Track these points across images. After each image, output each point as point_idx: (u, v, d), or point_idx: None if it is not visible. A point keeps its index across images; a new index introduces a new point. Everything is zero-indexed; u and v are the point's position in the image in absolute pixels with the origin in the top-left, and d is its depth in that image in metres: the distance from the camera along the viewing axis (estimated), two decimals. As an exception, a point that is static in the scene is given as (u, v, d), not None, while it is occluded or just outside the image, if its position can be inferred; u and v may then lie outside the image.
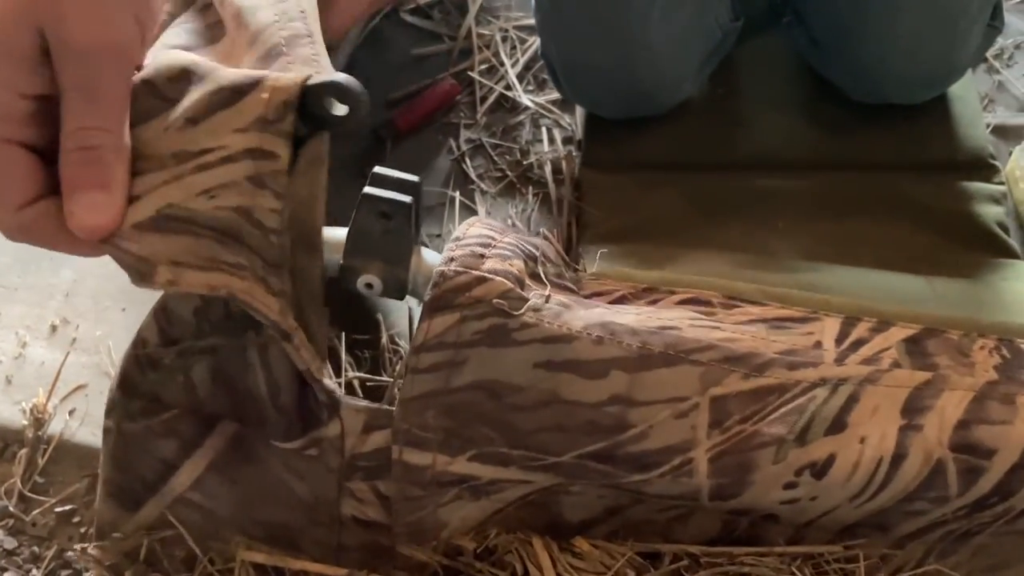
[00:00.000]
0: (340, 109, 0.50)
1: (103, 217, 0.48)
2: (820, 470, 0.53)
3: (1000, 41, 1.01)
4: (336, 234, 0.55)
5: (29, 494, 0.76)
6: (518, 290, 0.52)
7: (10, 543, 0.74)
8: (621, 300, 0.58)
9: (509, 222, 0.92)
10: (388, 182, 0.53)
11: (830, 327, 0.57)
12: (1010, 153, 0.93)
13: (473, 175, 0.96)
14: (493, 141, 0.98)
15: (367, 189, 0.52)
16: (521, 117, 1.00)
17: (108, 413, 0.56)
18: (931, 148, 0.91)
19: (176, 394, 0.54)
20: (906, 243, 0.86)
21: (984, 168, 0.90)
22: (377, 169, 0.54)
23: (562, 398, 0.53)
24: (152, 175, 0.49)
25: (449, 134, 0.99)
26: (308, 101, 0.50)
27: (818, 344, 0.56)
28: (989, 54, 1.00)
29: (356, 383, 0.86)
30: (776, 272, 0.82)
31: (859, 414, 0.53)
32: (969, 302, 0.80)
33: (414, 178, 0.53)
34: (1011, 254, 0.85)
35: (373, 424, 0.55)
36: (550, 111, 1.00)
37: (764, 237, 0.86)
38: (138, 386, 0.54)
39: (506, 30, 1.06)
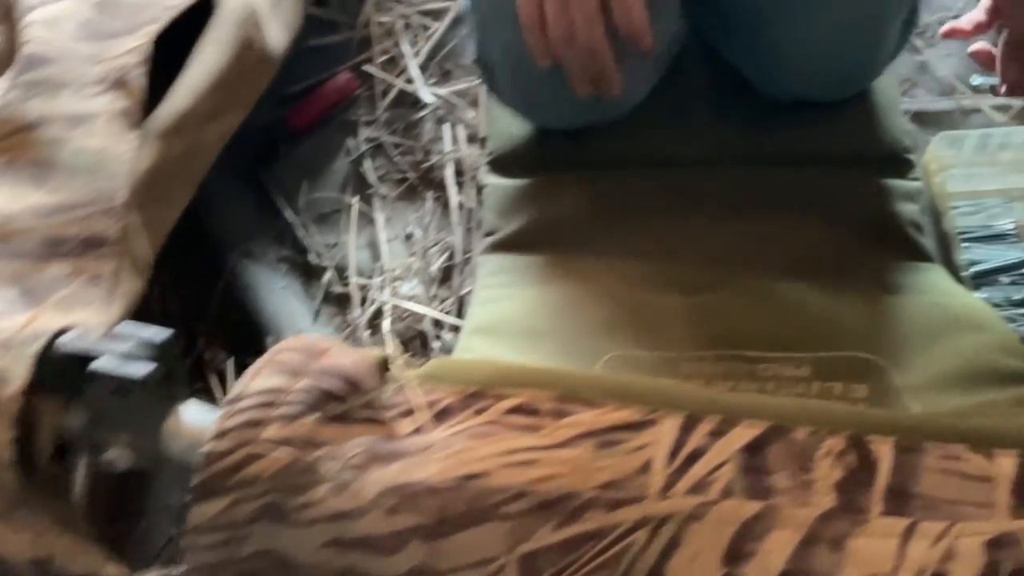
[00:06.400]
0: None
1: None
2: (619, 625, 0.48)
3: (925, 16, 0.90)
4: None
5: None
6: (303, 459, 0.46)
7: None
8: (446, 412, 0.52)
9: (409, 230, 0.85)
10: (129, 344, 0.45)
11: (667, 434, 0.51)
12: (928, 143, 0.84)
13: (372, 179, 0.87)
14: (394, 140, 0.89)
15: (94, 365, 0.43)
16: (423, 113, 0.90)
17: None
18: (844, 141, 0.83)
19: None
20: (817, 245, 0.78)
21: (899, 164, 0.82)
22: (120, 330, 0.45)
23: (359, 572, 0.48)
24: None
25: (347, 132, 0.90)
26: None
27: (647, 466, 0.50)
28: (912, 32, 0.90)
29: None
30: (677, 294, 0.75)
31: (678, 562, 0.48)
32: (865, 327, 0.74)
33: (166, 333, 0.45)
34: (923, 256, 0.78)
35: None
36: (454, 105, 0.90)
37: (672, 242, 0.79)
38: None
39: (408, 16, 0.94)
